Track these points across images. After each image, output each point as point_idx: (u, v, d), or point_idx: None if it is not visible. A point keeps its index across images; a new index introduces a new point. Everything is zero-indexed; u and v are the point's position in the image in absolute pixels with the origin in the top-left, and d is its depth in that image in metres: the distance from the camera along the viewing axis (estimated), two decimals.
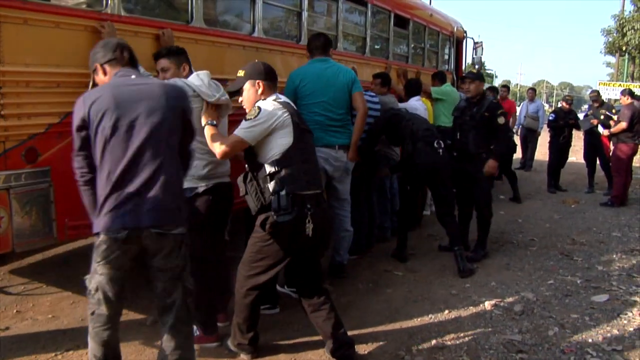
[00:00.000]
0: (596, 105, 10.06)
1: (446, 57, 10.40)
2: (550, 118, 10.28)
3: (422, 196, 7.11)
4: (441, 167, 5.41)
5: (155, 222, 2.57)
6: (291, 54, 5.38)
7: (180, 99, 2.77)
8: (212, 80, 3.37)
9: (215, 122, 3.25)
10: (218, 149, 3.14)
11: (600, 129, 9.44)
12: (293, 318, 4.00)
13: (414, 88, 6.79)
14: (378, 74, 6.30)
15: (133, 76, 2.68)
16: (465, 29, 11.15)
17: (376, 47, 7.49)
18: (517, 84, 79.49)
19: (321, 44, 4.82)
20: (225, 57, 4.55)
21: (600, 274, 5.36)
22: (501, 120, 5.70)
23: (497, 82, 59.78)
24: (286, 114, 3.19)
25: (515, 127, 13.46)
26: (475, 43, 11.66)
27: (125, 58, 2.73)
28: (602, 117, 9.45)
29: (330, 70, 4.72)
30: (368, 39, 6.91)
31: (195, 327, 3.59)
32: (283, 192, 3.05)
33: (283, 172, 3.10)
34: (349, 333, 3.67)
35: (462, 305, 4.46)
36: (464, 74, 11.27)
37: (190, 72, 3.46)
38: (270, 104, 3.21)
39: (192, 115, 2.90)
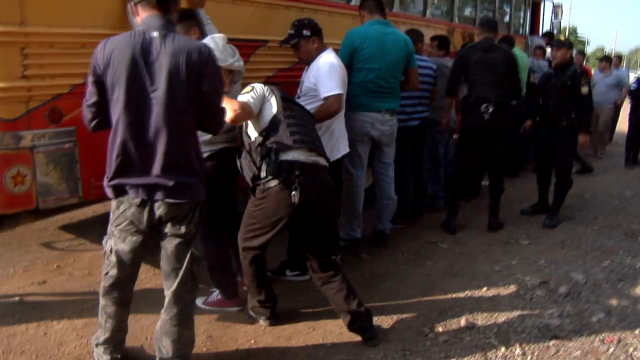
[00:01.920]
0: None
1: (521, 20, 9.84)
2: (633, 87, 9.56)
3: (481, 167, 6.80)
4: (485, 131, 5.33)
5: (169, 197, 2.55)
6: (341, 14, 5.19)
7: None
8: (228, 44, 3.30)
9: (226, 89, 3.19)
10: (228, 113, 3.00)
11: None
12: None
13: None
14: (435, 37, 6.03)
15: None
16: None
17: (439, 8, 7.16)
18: (611, 51, 74.96)
19: (380, 4, 4.63)
20: (267, 18, 4.45)
21: None
22: (584, 89, 5.61)
23: (590, 49, 56.61)
24: (268, 88, 3.25)
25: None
26: (554, 6, 10.98)
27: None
28: None
29: (392, 37, 4.53)
30: (429, 0, 6.61)
31: (216, 292, 3.63)
32: (271, 158, 3.03)
33: (270, 138, 3.08)
34: (379, 304, 3.64)
35: (503, 283, 4.24)
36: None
37: (202, 36, 3.36)
38: (260, 85, 3.28)
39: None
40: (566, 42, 5.97)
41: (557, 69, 5.78)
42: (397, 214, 5.24)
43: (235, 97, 3.40)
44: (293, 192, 2.97)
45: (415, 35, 5.32)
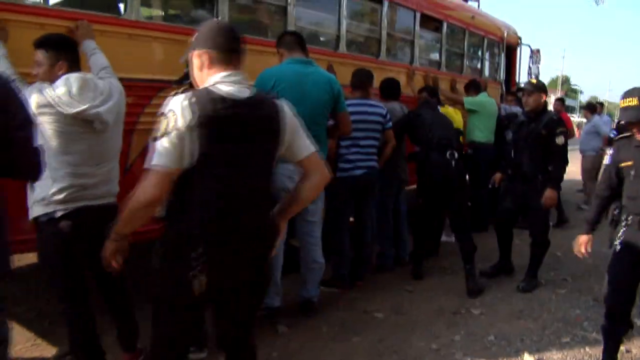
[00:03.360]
0: None
1: (494, 65, 9.39)
2: (612, 135, 9.04)
3: (440, 220, 6.18)
4: (452, 179, 4.98)
5: None
6: (272, 54, 4.67)
7: None
8: (94, 86, 2.78)
9: None
10: (142, 197, 2.05)
11: None
12: None
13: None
14: (385, 81, 5.50)
15: None
16: (519, 35, 10.08)
17: (396, 50, 6.67)
18: (605, 100, 75.20)
19: (299, 39, 4.11)
20: (174, 55, 3.90)
21: (637, 332, 4.28)
22: (560, 140, 4.99)
23: (583, 99, 56.73)
24: (188, 118, 2.03)
25: (578, 147, 12.20)
26: (532, 51, 10.56)
27: None
28: None
29: (313, 77, 3.95)
30: (383, 40, 6.12)
31: None
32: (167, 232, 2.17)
33: (179, 197, 2.13)
34: None
35: None
36: (517, 85, 10.26)
37: (71, 72, 2.83)
38: (180, 100, 2.05)
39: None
40: (538, 85, 5.41)
41: (530, 117, 5.18)
42: (333, 275, 4.67)
43: (108, 147, 2.87)
44: (194, 281, 2.10)
45: (362, 77, 4.80)
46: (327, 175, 2.38)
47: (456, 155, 4.98)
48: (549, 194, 4.98)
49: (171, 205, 2.14)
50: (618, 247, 3.40)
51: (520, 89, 5.76)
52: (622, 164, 3.42)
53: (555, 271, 5.83)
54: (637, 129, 3.27)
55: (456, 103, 7.06)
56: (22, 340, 3.76)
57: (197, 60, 2.22)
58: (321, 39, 5.60)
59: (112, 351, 3.23)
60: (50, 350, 3.57)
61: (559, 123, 5.13)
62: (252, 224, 2.22)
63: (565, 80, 54.67)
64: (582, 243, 3.70)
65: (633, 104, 3.19)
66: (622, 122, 3.95)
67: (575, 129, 13.36)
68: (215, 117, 2.07)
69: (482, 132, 7.10)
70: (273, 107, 2.26)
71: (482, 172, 6.96)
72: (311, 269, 4.20)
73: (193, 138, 2.03)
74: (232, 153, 2.14)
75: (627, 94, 3.26)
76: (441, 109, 5.98)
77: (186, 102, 2.04)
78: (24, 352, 3.61)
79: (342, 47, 5.48)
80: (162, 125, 2.05)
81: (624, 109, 3.26)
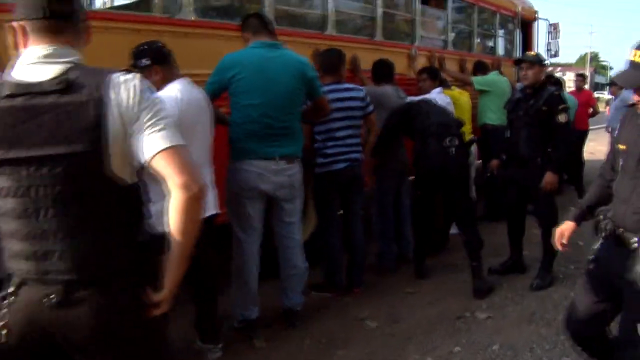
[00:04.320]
0: None
1: (508, 42, 8.82)
2: None
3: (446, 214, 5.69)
4: (451, 169, 4.46)
5: None
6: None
7: None
8: None
9: None
10: None
11: None
12: None
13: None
14: (376, 63, 5.04)
15: None
16: (535, 9, 9.48)
17: (394, 28, 6.18)
18: None
19: (264, 22, 3.68)
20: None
21: None
22: (562, 118, 4.49)
23: (613, 75, 55.20)
24: None
25: (606, 124, 11.56)
26: (550, 25, 9.94)
27: None
28: None
29: (279, 61, 3.50)
30: (379, 19, 5.64)
31: None
32: None
33: None
34: None
35: None
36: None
37: None
38: None
39: None
40: (538, 58, 4.88)
41: (528, 93, 4.68)
42: (323, 279, 4.33)
43: None
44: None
45: (332, 57, 4.33)
46: (185, 184, 1.50)
47: (456, 142, 4.49)
48: (548, 178, 4.47)
49: None
50: (591, 266, 2.65)
51: (518, 62, 5.27)
52: (619, 145, 2.54)
53: (576, 263, 5.28)
54: None
55: (464, 84, 6.60)
56: None
57: (11, 38, 1.58)
58: (304, 19, 5.13)
59: None
60: None
61: (560, 99, 4.67)
62: (63, 272, 1.53)
63: (594, 57, 53.12)
64: (559, 232, 2.83)
65: None
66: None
67: (606, 106, 12.72)
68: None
69: (495, 114, 6.59)
70: (96, 87, 1.50)
71: (495, 157, 6.47)
72: (291, 275, 3.78)
73: None
74: (11, 165, 1.51)
75: None
76: (446, 92, 5.51)
77: None
78: None
79: (330, 28, 5.02)
80: None
81: (635, 65, 2.33)
